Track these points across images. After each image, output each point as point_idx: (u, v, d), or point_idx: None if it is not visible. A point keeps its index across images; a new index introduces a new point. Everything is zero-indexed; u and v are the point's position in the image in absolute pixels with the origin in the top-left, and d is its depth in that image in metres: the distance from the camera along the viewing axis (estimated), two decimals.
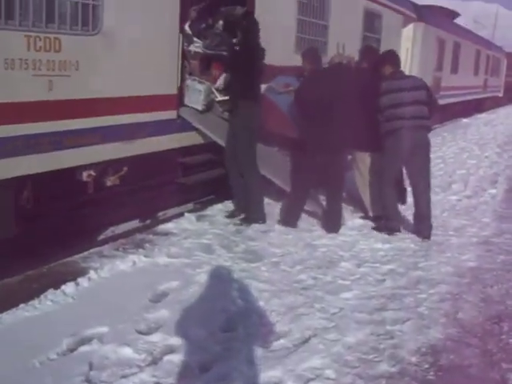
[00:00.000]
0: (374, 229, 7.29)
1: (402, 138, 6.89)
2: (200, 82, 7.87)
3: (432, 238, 7.04)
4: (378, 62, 7.51)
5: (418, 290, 5.43)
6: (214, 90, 8.09)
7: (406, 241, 6.91)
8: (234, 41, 7.60)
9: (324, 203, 7.51)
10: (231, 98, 7.26)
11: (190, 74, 7.94)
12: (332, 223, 7.13)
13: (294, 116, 7.34)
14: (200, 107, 7.80)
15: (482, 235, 7.36)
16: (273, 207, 7.75)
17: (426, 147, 7.13)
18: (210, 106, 8.03)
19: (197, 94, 7.79)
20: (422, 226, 7.09)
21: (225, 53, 7.72)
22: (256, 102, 7.12)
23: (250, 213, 7.28)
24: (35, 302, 4.66)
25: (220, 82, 8.08)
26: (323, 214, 7.36)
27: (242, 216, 7.34)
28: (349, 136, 7.03)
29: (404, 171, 7.46)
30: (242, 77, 7.03)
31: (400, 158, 7.08)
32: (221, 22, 8.44)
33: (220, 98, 8.10)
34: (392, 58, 7.44)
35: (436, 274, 5.86)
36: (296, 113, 7.24)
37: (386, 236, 7.00)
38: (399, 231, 7.18)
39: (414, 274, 5.82)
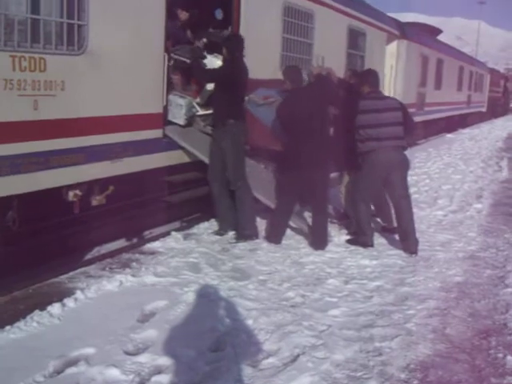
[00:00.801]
0: (347, 242, 7.38)
1: (379, 159, 7.02)
2: (181, 97, 7.90)
3: (419, 253, 7.06)
4: (357, 81, 7.63)
5: (406, 306, 5.42)
6: (195, 104, 8.12)
7: (393, 257, 6.92)
8: (216, 59, 7.68)
9: (310, 220, 7.51)
10: (218, 116, 7.27)
11: (173, 89, 7.96)
12: (319, 240, 7.13)
13: (275, 127, 7.36)
14: (182, 122, 7.83)
15: (469, 250, 7.38)
16: (259, 225, 7.74)
17: (403, 166, 7.24)
18: (191, 120, 8.06)
19: (178, 109, 7.81)
20: (408, 242, 7.12)
21: (188, 60, 7.77)
22: (243, 120, 7.23)
23: (242, 229, 7.29)
24: (21, 323, 4.60)
25: (201, 95, 8.11)
26: (310, 231, 7.35)
27: (231, 233, 7.35)
28: (330, 152, 7.10)
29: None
30: (229, 96, 7.08)
31: (378, 179, 7.17)
32: (204, 41, 8.48)
33: (201, 112, 8.13)
34: (370, 77, 7.52)
35: (423, 290, 5.86)
36: (278, 128, 7.26)
37: (374, 253, 7.00)
38: (372, 246, 7.24)
39: (401, 290, 5.82)
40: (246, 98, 7.66)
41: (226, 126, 7.11)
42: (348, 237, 7.59)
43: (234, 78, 7.08)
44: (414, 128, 7.93)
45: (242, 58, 7.21)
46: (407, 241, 7.13)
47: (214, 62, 7.81)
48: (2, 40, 5.21)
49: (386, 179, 7.12)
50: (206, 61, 7.86)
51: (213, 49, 8.09)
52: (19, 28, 5.37)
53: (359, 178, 7.28)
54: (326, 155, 7.03)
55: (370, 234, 7.32)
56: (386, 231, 7.89)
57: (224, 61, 7.35)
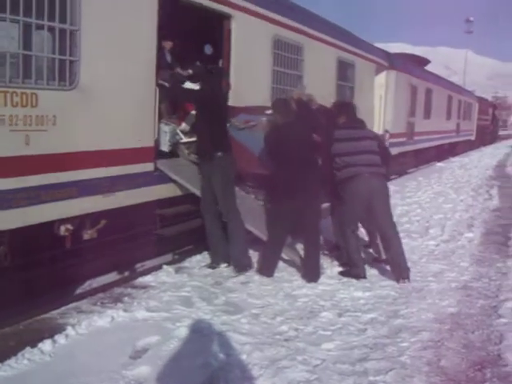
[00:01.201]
0: (340, 274, 7.35)
1: (358, 187, 7.11)
2: (166, 124, 7.98)
3: (411, 284, 7.04)
4: (334, 112, 7.79)
5: (400, 338, 5.39)
6: (179, 132, 8.18)
7: (386, 288, 6.90)
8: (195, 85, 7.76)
9: (302, 252, 7.49)
10: (204, 149, 7.31)
11: (160, 118, 8.01)
12: (311, 272, 7.11)
13: (263, 157, 7.38)
14: (166, 148, 7.89)
15: (461, 280, 7.36)
16: (251, 257, 7.72)
17: (383, 193, 7.32)
18: (175, 147, 8.13)
19: (163, 136, 7.87)
20: (399, 269, 7.14)
21: (167, 84, 7.94)
22: (230, 151, 7.28)
23: (237, 261, 7.30)
24: (11, 360, 4.55)
25: (184, 123, 8.16)
26: (302, 263, 7.34)
27: (223, 266, 7.34)
28: (319, 182, 7.17)
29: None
30: (211, 125, 7.17)
31: (359, 207, 7.23)
32: (189, 71, 8.55)
33: (185, 139, 8.19)
34: (346, 108, 7.83)
35: (417, 322, 5.83)
36: (266, 157, 7.31)
37: (367, 284, 6.99)
38: (365, 277, 7.21)
39: (395, 323, 5.79)
40: (228, 124, 7.73)
41: (214, 159, 7.14)
42: (340, 268, 7.57)
43: (211, 100, 7.16)
44: (388, 157, 8.07)
45: (219, 88, 7.40)
46: (398, 269, 7.15)
47: (192, 87, 7.89)
48: None
49: (368, 208, 7.20)
50: (185, 85, 7.94)
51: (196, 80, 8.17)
52: (11, 64, 5.41)
53: (343, 208, 7.34)
54: (315, 185, 7.07)
55: (362, 266, 7.31)
56: (377, 262, 7.89)
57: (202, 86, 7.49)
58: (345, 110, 7.74)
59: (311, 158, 7.16)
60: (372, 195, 7.14)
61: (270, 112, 8.05)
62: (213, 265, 7.38)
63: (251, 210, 8.03)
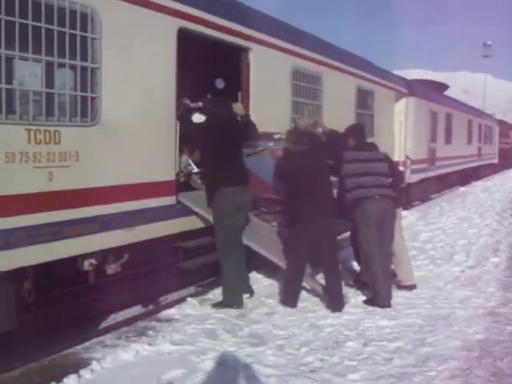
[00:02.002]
0: (364, 302, 7.32)
1: (368, 205, 7.20)
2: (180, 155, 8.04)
3: (437, 311, 6.99)
4: (344, 135, 7.90)
5: (427, 367, 5.31)
6: (191, 162, 8.28)
7: (412, 316, 6.82)
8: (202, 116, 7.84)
9: (323, 281, 7.45)
10: (203, 182, 7.46)
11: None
12: (335, 302, 7.06)
13: (276, 184, 7.38)
14: (179, 179, 7.94)
15: (488, 306, 7.27)
16: (275, 288, 7.70)
17: (392, 217, 7.42)
18: (188, 178, 8.22)
19: None
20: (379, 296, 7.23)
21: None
22: (240, 183, 7.22)
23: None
24: None
25: (196, 154, 8.25)
26: (325, 293, 7.29)
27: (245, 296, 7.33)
28: (334, 206, 7.21)
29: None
30: (213, 156, 7.26)
31: (374, 226, 7.25)
32: (199, 104, 8.60)
33: (197, 169, 8.27)
34: (356, 131, 7.93)
35: (444, 350, 5.75)
36: (279, 184, 7.28)
37: (392, 313, 6.92)
38: (389, 307, 7.15)
39: (422, 351, 5.71)
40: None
41: (209, 193, 7.23)
42: (364, 297, 7.51)
43: (214, 132, 7.27)
44: (400, 180, 8.12)
45: (224, 121, 7.43)
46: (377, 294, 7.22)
47: (200, 118, 7.95)
48: (18, 114, 5.33)
49: (380, 229, 7.28)
50: (193, 116, 8.01)
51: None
52: (34, 102, 5.51)
53: (361, 234, 7.34)
54: (329, 212, 7.07)
55: (387, 295, 7.24)
56: (403, 288, 7.82)
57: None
58: (354, 133, 7.85)
59: (325, 185, 7.18)
60: (383, 217, 7.25)
61: (277, 137, 8.19)
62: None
63: (269, 239, 8.04)
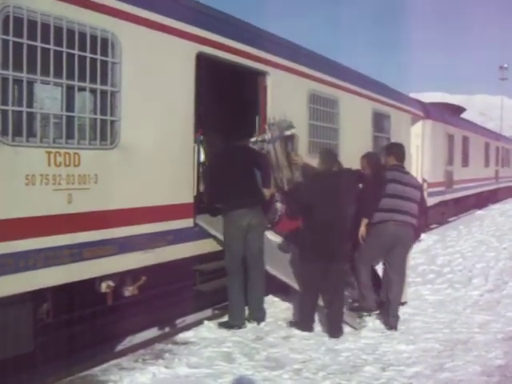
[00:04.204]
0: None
1: (389, 229, 7.19)
2: None
3: (456, 335, 6.94)
4: (384, 150, 7.80)
5: None
6: None
7: (430, 340, 6.77)
8: None
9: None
10: (222, 209, 7.45)
11: None
12: (333, 328, 6.98)
13: (294, 210, 7.41)
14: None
15: (508, 330, 7.21)
16: (292, 311, 7.66)
17: (407, 244, 7.47)
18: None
19: None
20: (388, 316, 7.24)
21: None
22: (247, 205, 7.21)
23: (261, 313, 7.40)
24: None
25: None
26: (326, 318, 7.18)
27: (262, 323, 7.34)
28: (347, 245, 7.21)
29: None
30: (217, 180, 7.37)
31: (381, 249, 7.32)
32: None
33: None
34: (396, 149, 7.81)
35: (463, 375, 5.68)
36: (297, 210, 7.28)
37: (410, 337, 6.85)
38: (375, 310, 7.31)
39: (440, 376, 5.66)
40: None
41: (221, 213, 7.37)
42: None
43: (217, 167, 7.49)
44: (426, 209, 8.11)
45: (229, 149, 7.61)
46: (387, 315, 7.25)
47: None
48: (38, 136, 5.40)
49: (388, 253, 7.31)
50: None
51: None
52: (54, 125, 5.58)
53: (365, 244, 7.36)
54: (342, 250, 7.06)
55: (372, 299, 7.40)
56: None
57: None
58: (393, 151, 7.74)
59: (343, 218, 7.10)
60: (397, 243, 7.26)
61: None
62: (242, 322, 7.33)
63: (284, 261, 8.03)
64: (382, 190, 7.23)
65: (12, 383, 5.72)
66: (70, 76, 5.63)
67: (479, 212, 24.64)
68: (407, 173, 7.76)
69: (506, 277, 10.56)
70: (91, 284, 6.15)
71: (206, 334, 6.86)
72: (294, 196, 7.28)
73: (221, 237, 7.54)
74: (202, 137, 8.20)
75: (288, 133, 8.32)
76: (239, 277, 7.25)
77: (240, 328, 7.09)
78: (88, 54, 5.79)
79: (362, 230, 7.28)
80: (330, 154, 7.50)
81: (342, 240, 7.00)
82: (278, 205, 8.37)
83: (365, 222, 7.25)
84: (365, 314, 7.45)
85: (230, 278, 7.28)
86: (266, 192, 7.63)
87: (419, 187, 7.64)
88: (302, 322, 7.13)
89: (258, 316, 7.38)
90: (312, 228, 6.92)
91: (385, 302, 7.63)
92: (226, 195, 7.29)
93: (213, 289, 7.81)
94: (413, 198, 7.38)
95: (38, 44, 5.28)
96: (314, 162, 8.31)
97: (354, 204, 7.43)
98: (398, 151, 7.75)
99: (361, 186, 7.79)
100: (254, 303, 7.39)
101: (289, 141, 8.39)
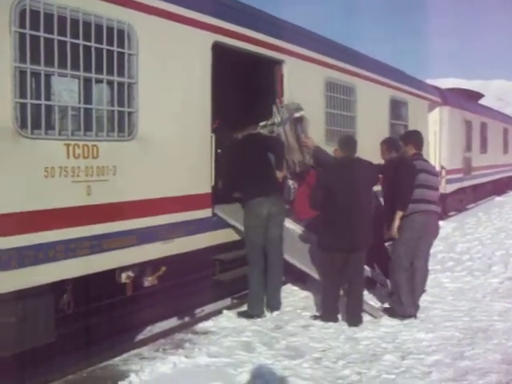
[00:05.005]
0: (384, 311, 7.28)
1: (420, 220, 7.10)
2: None
3: (476, 323, 6.90)
4: (402, 139, 7.74)
5: (467, 381, 5.23)
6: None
7: (450, 329, 6.73)
8: None
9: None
10: (242, 198, 7.58)
11: None
12: (353, 316, 6.97)
13: (316, 198, 7.27)
14: None
15: None
16: (311, 300, 7.66)
17: (434, 233, 7.47)
18: None
19: None
20: (406, 304, 7.15)
21: None
22: (267, 193, 7.26)
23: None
24: None
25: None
26: (345, 306, 7.15)
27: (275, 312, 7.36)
28: (370, 234, 7.11)
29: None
30: (236, 170, 7.46)
31: (416, 241, 7.19)
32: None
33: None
34: (414, 138, 7.66)
35: (484, 363, 5.65)
36: (319, 198, 7.08)
37: (430, 325, 6.83)
38: (414, 316, 7.09)
39: (461, 365, 5.63)
40: None
41: (242, 206, 7.44)
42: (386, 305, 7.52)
43: (241, 147, 7.64)
44: (443, 197, 8.04)
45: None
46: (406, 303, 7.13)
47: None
48: (57, 129, 5.43)
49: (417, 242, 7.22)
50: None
51: None
52: (72, 117, 5.61)
53: (399, 240, 7.21)
54: (363, 239, 7.00)
55: (409, 304, 7.16)
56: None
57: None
58: (412, 140, 7.59)
59: (365, 205, 7.05)
60: (429, 232, 7.24)
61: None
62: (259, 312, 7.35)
63: (304, 250, 8.04)
64: (414, 181, 7.09)
65: (33, 374, 5.78)
66: (87, 68, 5.65)
67: (498, 199, 24.43)
68: (427, 161, 7.71)
69: None
70: (111, 275, 6.19)
71: (225, 324, 6.89)
72: (317, 183, 7.19)
73: (240, 226, 7.56)
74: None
75: (297, 115, 8.26)
76: (259, 266, 7.28)
77: (259, 317, 7.12)
78: (105, 46, 5.80)
79: (397, 223, 7.10)
80: (349, 142, 7.43)
81: (362, 228, 6.93)
82: (290, 182, 8.41)
83: (400, 214, 7.06)
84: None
85: (250, 267, 7.32)
86: (279, 174, 7.71)
87: (438, 174, 7.59)
88: (326, 314, 7.10)
89: (272, 304, 7.41)
90: (333, 216, 6.87)
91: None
92: (243, 184, 7.35)
93: (232, 278, 7.83)
94: (435, 186, 7.41)
95: (55, 37, 5.29)
96: (331, 150, 8.33)
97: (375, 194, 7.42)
98: (416, 139, 7.62)
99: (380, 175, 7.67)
100: (271, 291, 7.42)
101: (298, 123, 8.32)
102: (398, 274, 7.17)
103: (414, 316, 7.11)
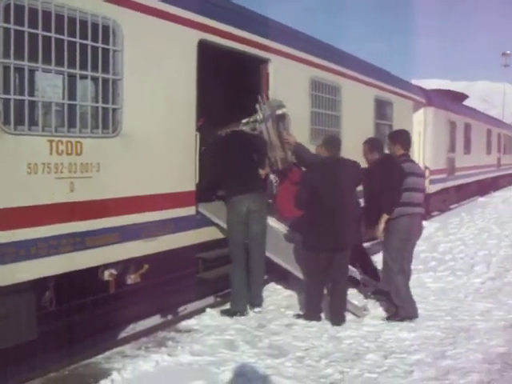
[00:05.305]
0: (388, 319, 7.14)
1: (408, 223, 7.06)
2: None
3: (458, 323, 6.94)
4: (389, 139, 7.68)
5: (448, 380, 5.26)
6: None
7: (432, 328, 6.77)
8: None
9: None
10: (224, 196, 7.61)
11: None
12: (336, 315, 6.99)
13: (301, 197, 7.30)
14: None
15: (509, 318, 7.20)
16: (295, 299, 7.67)
17: (419, 234, 7.43)
18: None
19: None
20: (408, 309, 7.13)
21: None
22: (248, 191, 7.30)
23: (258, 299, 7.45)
24: None
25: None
26: (329, 305, 7.17)
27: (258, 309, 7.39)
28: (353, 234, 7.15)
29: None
30: (218, 166, 7.47)
31: (406, 243, 7.19)
32: None
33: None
34: (404, 138, 7.58)
35: (465, 362, 5.69)
36: (303, 198, 7.08)
37: (412, 324, 6.86)
38: (417, 316, 7.08)
39: (442, 364, 5.66)
40: None
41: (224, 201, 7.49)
42: (382, 308, 7.49)
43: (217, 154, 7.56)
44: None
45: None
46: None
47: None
48: (40, 126, 5.39)
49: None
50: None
51: None
52: (56, 113, 5.57)
53: (391, 245, 7.16)
54: (347, 238, 7.02)
55: (412, 306, 7.15)
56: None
57: None
58: (399, 139, 7.50)
59: (349, 205, 7.11)
60: (415, 234, 7.25)
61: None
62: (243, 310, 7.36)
63: (288, 249, 8.04)
64: (402, 184, 7.02)
65: (15, 371, 5.73)
66: (72, 64, 5.60)
67: (481, 199, 24.63)
68: (414, 162, 7.71)
69: (507, 264, 10.57)
70: (94, 272, 6.16)
71: (208, 322, 6.88)
72: (302, 183, 7.20)
73: (223, 224, 7.56)
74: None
75: (279, 112, 8.27)
76: (242, 263, 7.30)
77: (242, 315, 7.13)
78: (89, 42, 5.76)
79: (383, 226, 7.04)
80: (334, 141, 7.45)
81: (347, 228, 6.96)
82: (272, 176, 8.42)
83: (385, 217, 7.00)
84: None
85: (232, 264, 7.34)
86: (261, 171, 7.73)
87: (424, 176, 7.58)
88: (309, 313, 7.12)
89: (254, 302, 7.43)
90: (318, 216, 6.88)
91: (384, 290, 7.66)
92: (226, 182, 7.36)
93: (215, 276, 7.82)
94: (422, 188, 7.41)
95: (40, 32, 5.25)
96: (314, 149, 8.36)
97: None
98: (404, 139, 7.54)
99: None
100: (253, 288, 7.44)
101: (280, 120, 8.34)
102: (396, 278, 7.11)
103: (417, 316, 7.10)
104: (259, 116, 8.23)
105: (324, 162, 7.26)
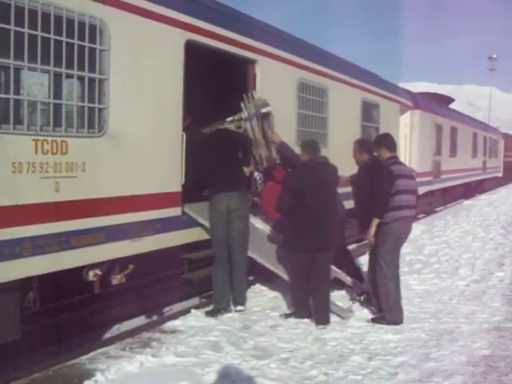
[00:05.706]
0: (373, 320, 7.12)
1: (402, 227, 7.06)
2: None
3: (442, 325, 6.95)
4: (374, 143, 7.68)
5: (432, 382, 5.28)
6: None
7: (416, 330, 6.79)
8: None
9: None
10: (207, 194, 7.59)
11: None
12: (320, 315, 7.00)
13: (283, 201, 7.29)
14: None
15: (493, 321, 7.23)
16: (280, 300, 7.67)
17: (408, 236, 7.41)
18: None
19: None
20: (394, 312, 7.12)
21: None
22: (229, 189, 7.33)
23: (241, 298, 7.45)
24: None
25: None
26: (312, 306, 7.16)
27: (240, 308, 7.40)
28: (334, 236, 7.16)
29: None
30: (203, 165, 7.52)
31: (399, 246, 7.21)
32: None
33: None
34: (389, 141, 7.53)
35: (449, 365, 5.70)
36: (285, 201, 7.06)
37: (397, 327, 6.88)
38: (401, 323, 7.04)
39: (426, 366, 5.68)
40: None
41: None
42: (368, 310, 7.48)
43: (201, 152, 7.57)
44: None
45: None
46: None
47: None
48: (25, 124, 5.35)
49: None
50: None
51: None
52: (41, 113, 5.53)
53: (385, 248, 7.08)
54: (330, 239, 7.05)
55: (399, 311, 7.11)
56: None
57: None
58: (385, 142, 7.45)
59: (331, 207, 7.13)
60: (405, 237, 7.28)
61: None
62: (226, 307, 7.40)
63: (272, 251, 8.04)
64: (391, 188, 6.96)
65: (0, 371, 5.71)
66: (58, 63, 5.57)
67: (466, 202, 24.78)
68: (404, 164, 7.70)
69: (492, 267, 10.62)
70: (78, 272, 6.13)
71: (193, 323, 6.87)
72: (284, 188, 7.19)
73: (208, 225, 7.55)
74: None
75: (264, 110, 8.29)
76: (224, 261, 7.33)
77: (226, 311, 7.16)
78: (76, 41, 5.74)
79: (374, 229, 6.98)
80: (312, 144, 7.49)
81: (329, 229, 6.99)
82: (256, 173, 8.46)
83: (376, 222, 6.95)
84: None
85: (215, 263, 7.36)
86: (246, 169, 7.75)
87: (415, 177, 7.56)
88: (298, 312, 7.14)
89: (237, 300, 7.45)
90: (301, 218, 6.89)
91: (368, 292, 7.65)
92: (209, 180, 7.41)
93: (201, 277, 7.81)
94: (414, 189, 7.41)
95: (25, 30, 5.21)
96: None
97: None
98: (389, 142, 7.50)
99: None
100: (235, 287, 7.46)
101: (265, 119, 8.36)
102: (388, 284, 7.05)
103: (402, 322, 7.05)
104: (244, 114, 8.25)
105: (305, 165, 7.28)
